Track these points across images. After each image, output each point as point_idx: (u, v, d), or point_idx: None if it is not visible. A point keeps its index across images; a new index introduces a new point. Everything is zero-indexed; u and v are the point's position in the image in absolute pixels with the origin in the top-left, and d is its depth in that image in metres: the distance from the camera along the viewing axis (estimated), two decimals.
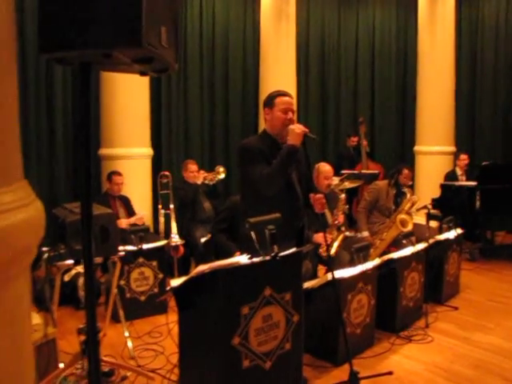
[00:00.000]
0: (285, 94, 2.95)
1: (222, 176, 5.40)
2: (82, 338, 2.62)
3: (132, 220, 5.05)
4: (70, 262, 3.18)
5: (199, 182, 5.32)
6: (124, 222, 4.93)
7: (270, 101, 2.93)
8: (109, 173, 5.21)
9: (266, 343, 2.28)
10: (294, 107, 2.98)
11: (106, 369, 3.15)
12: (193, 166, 5.45)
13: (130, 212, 5.24)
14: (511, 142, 7.83)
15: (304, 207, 3.01)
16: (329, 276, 3.35)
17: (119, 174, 5.15)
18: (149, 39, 1.23)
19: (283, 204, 2.77)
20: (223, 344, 2.14)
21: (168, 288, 2.22)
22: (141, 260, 4.26)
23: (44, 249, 3.74)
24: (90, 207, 1.48)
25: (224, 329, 2.15)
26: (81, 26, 1.18)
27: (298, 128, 2.76)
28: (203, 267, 2.08)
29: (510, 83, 7.86)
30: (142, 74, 1.57)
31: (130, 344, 3.55)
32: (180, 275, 5.02)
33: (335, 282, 2.62)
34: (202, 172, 5.45)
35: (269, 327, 2.27)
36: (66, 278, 4.58)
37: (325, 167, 4.48)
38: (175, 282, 2.13)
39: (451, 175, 6.71)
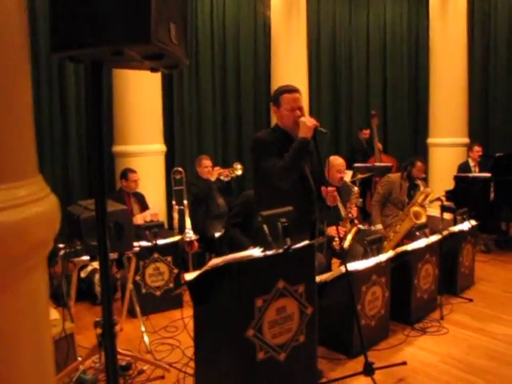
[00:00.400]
0: (290, 91, 2.90)
1: (239, 173, 5.40)
2: (99, 331, 2.66)
3: (147, 216, 5.09)
4: (86, 258, 3.24)
5: (213, 178, 5.34)
6: (139, 218, 4.98)
7: (276, 99, 2.91)
8: (123, 171, 5.25)
9: (280, 335, 2.30)
10: (302, 102, 2.94)
11: (123, 363, 3.20)
12: (207, 162, 5.46)
13: (145, 208, 5.29)
14: None
15: (317, 200, 3.02)
16: (342, 269, 3.36)
17: (134, 171, 5.18)
18: (158, 36, 1.25)
19: (297, 197, 2.79)
20: (238, 336, 2.16)
21: (183, 282, 2.25)
22: (156, 255, 4.30)
23: (60, 245, 3.81)
24: (104, 203, 1.51)
25: (238, 321, 2.17)
26: (92, 24, 1.20)
27: (309, 121, 2.75)
28: (217, 260, 2.10)
29: None
30: (153, 70, 1.59)
31: (146, 338, 3.59)
32: (195, 270, 5.06)
33: (348, 274, 2.63)
34: (217, 168, 5.45)
35: (283, 319, 2.29)
36: (83, 274, 4.66)
37: (337, 160, 4.47)
38: (190, 276, 2.16)
39: (464, 167, 6.66)
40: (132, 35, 1.21)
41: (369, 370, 2.81)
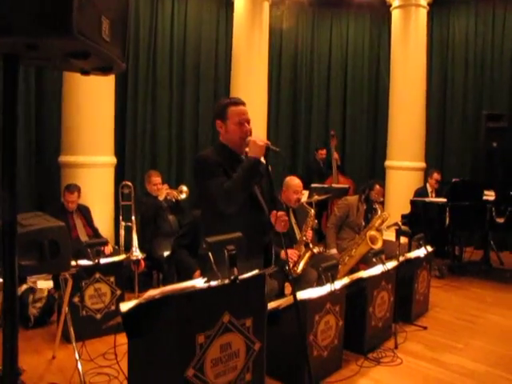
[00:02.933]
0: (237, 103, 2.67)
1: (184, 196, 5.23)
2: None
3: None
4: None
5: (161, 198, 5.13)
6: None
7: (222, 112, 2.66)
8: (65, 187, 4.90)
9: (224, 374, 2.06)
10: (249, 115, 2.70)
11: None
12: (156, 179, 5.22)
13: (89, 223, 4.96)
14: (479, 159, 7.85)
15: (269, 222, 2.77)
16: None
17: (72, 191, 4.78)
18: (82, 28, 1.03)
19: (248, 219, 2.55)
20: (176, 376, 1.91)
21: (118, 313, 1.99)
22: (97, 275, 3.99)
23: None
24: (14, 228, 1.27)
25: (177, 360, 1.92)
26: None
27: (259, 140, 2.52)
28: (154, 292, 1.87)
29: (478, 102, 7.91)
30: (84, 72, 1.36)
31: (80, 368, 3.27)
32: (141, 290, 4.78)
33: (298, 305, 2.42)
34: (165, 187, 5.23)
35: (227, 357, 2.06)
36: None
37: (294, 181, 4.32)
38: (124, 307, 1.91)
39: (421, 192, 6.67)
40: (48, 25, 0.99)
41: None
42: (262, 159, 2.51)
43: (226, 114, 2.63)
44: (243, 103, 2.69)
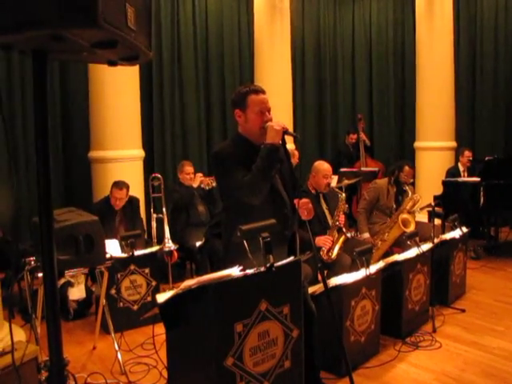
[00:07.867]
0: (257, 91, 2.52)
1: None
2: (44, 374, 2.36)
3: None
4: None
5: (195, 185, 5.13)
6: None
7: (241, 101, 2.54)
8: (113, 183, 4.82)
9: (263, 362, 2.06)
10: (270, 104, 2.56)
11: None
12: (189, 168, 5.23)
13: (135, 217, 4.96)
14: None
15: (292, 213, 2.63)
16: (330, 282, 3.15)
17: (120, 187, 4.69)
18: (108, 17, 1.02)
19: (269, 213, 2.41)
20: (215, 366, 1.91)
21: (155, 304, 2.00)
22: (132, 267, 4.04)
23: (31, 259, 3.54)
24: (51, 219, 1.27)
25: (216, 348, 1.93)
26: (19, 2, 0.95)
27: (276, 125, 2.43)
28: (190, 282, 1.87)
29: (509, 76, 7.65)
30: (111, 63, 1.35)
31: (120, 358, 3.34)
32: (175, 281, 4.83)
33: (329, 294, 2.37)
34: (199, 175, 5.24)
35: (265, 345, 2.05)
36: None
37: (323, 165, 4.26)
38: (161, 298, 1.92)
39: (453, 171, 6.51)
40: (74, 15, 0.97)
41: None
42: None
43: (246, 102, 2.52)
44: (263, 91, 2.57)
